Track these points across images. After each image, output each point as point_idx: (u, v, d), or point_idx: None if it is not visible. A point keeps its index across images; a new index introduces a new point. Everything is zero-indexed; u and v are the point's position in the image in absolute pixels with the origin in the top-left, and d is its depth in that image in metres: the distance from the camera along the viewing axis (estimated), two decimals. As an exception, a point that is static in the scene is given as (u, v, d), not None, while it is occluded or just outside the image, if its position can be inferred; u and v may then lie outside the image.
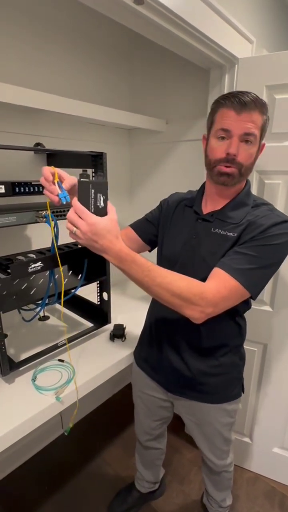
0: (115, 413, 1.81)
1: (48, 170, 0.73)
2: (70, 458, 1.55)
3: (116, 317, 1.23)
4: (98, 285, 1.21)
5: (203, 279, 0.81)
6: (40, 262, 0.90)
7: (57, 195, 0.72)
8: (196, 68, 1.25)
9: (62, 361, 1.01)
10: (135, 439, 1.24)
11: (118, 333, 1.17)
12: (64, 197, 0.72)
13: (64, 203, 0.72)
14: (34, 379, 0.93)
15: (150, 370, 1.01)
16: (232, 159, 0.73)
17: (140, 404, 1.11)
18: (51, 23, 1.21)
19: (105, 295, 1.21)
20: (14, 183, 0.86)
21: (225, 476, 1.11)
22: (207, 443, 1.01)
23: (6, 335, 1.11)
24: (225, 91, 1.22)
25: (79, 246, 1.08)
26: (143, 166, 1.66)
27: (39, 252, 1.03)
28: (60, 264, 0.87)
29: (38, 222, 0.91)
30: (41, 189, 0.94)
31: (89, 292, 1.26)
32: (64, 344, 1.07)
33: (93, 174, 1.06)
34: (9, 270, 0.85)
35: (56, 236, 0.92)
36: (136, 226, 1.03)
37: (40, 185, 0.93)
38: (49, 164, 1.28)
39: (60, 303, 1.26)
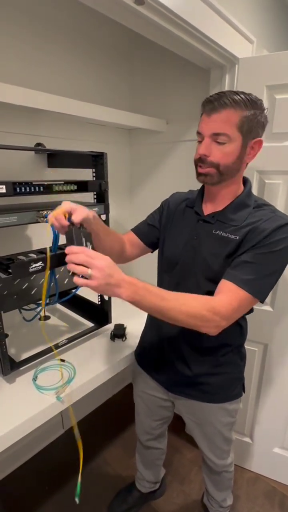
0: (115, 413, 1.81)
1: (62, 212, 0.73)
2: (71, 458, 1.55)
3: (117, 317, 1.23)
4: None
5: (203, 280, 0.81)
6: (41, 262, 0.90)
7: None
8: (196, 68, 1.26)
9: (63, 360, 1.02)
10: (136, 439, 1.24)
11: (119, 333, 1.17)
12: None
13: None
14: (35, 378, 0.93)
15: (151, 370, 1.01)
16: (204, 159, 0.75)
17: (141, 404, 1.11)
18: (51, 23, 1.21)
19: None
20: (15, 183, 0.86)
21: (226, 476, 1.11)
22: (208, 442, 1.01)
23: (7, 335, 1.11)
24: (226, 91, 1.23)
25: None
26: (143, 166, 1.67)
27: (39, 252, 1.03)
28: (48, 267, 0.84)
29: (39, 222, 0.91)
30: (42, 189, 0.94)
31: (90, 292, 1.25)
32: (65, 344, 1.07)
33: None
34: (10, 270, 0.85)
35: (57, 236, 0.93)
36: (138, 230, 1.02)
37: (41, 185, 0.93)
38: (49, 164, 1.29)
39: (60, 303, 1.26)
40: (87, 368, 1.00)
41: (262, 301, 0.76)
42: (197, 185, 0.94)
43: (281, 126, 1.09)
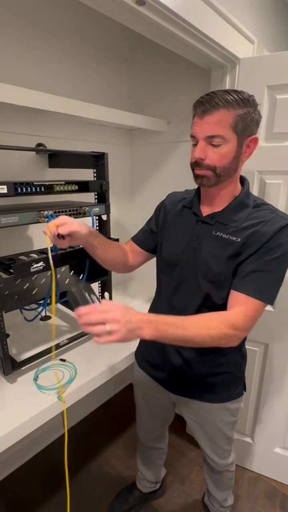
0: (116, 412, 1.81)
1: (54, 225, 0.79)
2: (72, 458, 1.55)
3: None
4: (99, 285, 1.22)
5: (204, 282, 0.81)
6: (42, 262, 0.90)
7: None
8: (197, 68, 1.26)
9: (63, 360, 1.02)
10: (137, 439, 1.25)
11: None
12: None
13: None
14: (36, 378, 0.93)
15: (152, 371, 1.01)
16: (200, 162, 0.75)
17: (142, 405, 1.11)
18: (52, 24, 1.22)
19: (106, 295, 1.22)
20: (16, 183, 0.86)
21: (227, 475, 1.11)
22: (209, 442, 1.01)
23: (8, 335, 1.11)
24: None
25: (80, 246, 1.08)
26: (144, 166, 1.67)
27: (41, 252, 1.03)
28: (52, 268, 0.86)
29: (40, 222, 0.92)
30: (43, 190, 0.94)
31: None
32: (66, 344, 1.07)
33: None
34: (11, 270, 0.85)
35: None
36: (138, 239, 1.01)
37: (42, 185, 0.94)
38: (50, 165, 1.29)
39: (61, 303, 1.26)
40: (88, 368, 1.00)
41: (272, 304, 0.77)
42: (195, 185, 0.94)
43: (282, 126, 1.09)
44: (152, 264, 1.01)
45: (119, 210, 1.66)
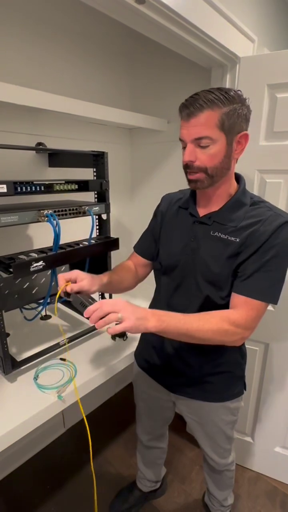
0: (116, 412, 1.81)
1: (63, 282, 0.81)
2: (72, 457, 1.56)
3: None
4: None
5: (204, 282, 0.81)
6: (42, 262, 0.90)
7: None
8: (197, 67, 1.25)
9: (63, 360, 1.02)
10: (137, 438, 1.25)
11: (120, 332, 1.17)
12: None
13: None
14: (36, 377, 0.93)
15: (151, 370, 1.01)
16: (190, 165, 0.74)
17: (142, 405, 1.11)
18: (52, 23, 1.21)
19: (107, 294, 1.21)
20: (16, 182, 0.86)
21: (227, 474, 1.11)
22: (210, 441, 1.01)
23: (8, 334, 1.11)
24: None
25: (80, 245, 1.08)
26: (144, 165, 1.67)
27: (40, 251, 1.03)
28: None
29: (40, 222, 0.92)
30: (43, 189, 0.94)
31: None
32: (66, 343, 1.07)
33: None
34: (11, 269, 0.85)
35: (58, 235, 0.93)
36: (143, 252, 1.00)
37: (42, 184, 0.94)
38: (50, 164, 1.29)
39: (61, 303, 1.26)
40: (88, 367, 1.00)
41: (276, 303, 0.77)
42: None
43: (282, 125, 1.08)
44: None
45: (119, 209, 1.66)
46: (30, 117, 1.19)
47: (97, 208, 1.08)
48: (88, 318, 0.70)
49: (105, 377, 1.01)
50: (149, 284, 1.00)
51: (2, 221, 0.83)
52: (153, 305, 0.98)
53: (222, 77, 1.20)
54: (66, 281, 0.80)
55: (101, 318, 0.68)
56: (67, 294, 0.80)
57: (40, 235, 1.29)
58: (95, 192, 1.16)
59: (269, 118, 1.10)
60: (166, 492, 1.39)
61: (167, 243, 0.90)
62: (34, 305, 1.06)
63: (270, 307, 1.24)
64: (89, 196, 1.17)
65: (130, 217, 1.74)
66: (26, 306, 1.04)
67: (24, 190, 0.89)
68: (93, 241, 1.10)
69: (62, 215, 0.97)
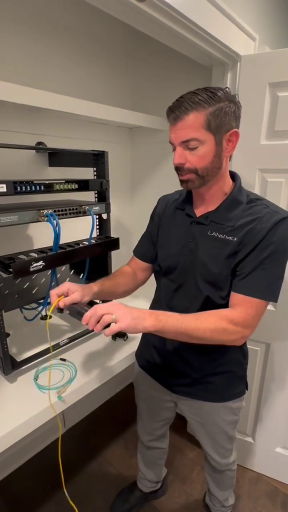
0: (117, 412, 1.81)
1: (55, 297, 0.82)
2: (72, 457, 1.55)
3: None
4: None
5: (203, 283, 0.81)
6: (41, 261, 0.90)
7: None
8: (198, 66, 1.25)
9: (64, 360, 1.01)
10: (137, 438, 1.24)
11: (120, 332, 1.16)
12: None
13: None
14: (36, 378, 0.93)
15: (152, 371, 1.00)
16: (180, 167, 0.75)
17: (143, 406, 1.11)
18: (52, 22, 1.21)
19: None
20: (16, 182, 0.86)
21: (228, 474, 1.11)
22: (212, 442, 1.01)
23: (8, 334, 1.11)
24: (228, 89, 1.22)
25: (80, 245, 1.08)
26: (144, 164, 1.66)
27: (40, 251, 1.03)
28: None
29: (40, 221, 0.91)
30: (43, 188, 0.94)
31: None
32: (66, 343, 1.07)
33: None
34: (11, 269, 0.85)
35: (58, 235, 0.92)
36: (143, 256, 0.99)
37: (42, 184, 0.93)
38: (50, 163, 1.29)
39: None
40: (89, 367, 1.00)
41: (276, 301, 0.76)
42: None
43: (283, 124, 1.08)
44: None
45: (119, 208, 1.65)
46: (30, 116, 1.19)
47: (97, 207, 1.08)
48: (87, 325, 0.72)
49: (105, 377, 1.01)
50: (151, 286, 1.00)
51: (2, 221, 0.82)
52: (153, 307, 0.97)
53: (223, 75, 1.20)
54: (58, 296, 0.80)
55: (98, 322, 0.69)
56: (60, 309, 0.81)
57: (40, 235, 1.28)
58: (95, 192, 1.15)
59: (271, 117, 1.10)
60: (166, 493, 1.39)
61: (165, 244, 0.89)
62: (34, 305, 1.05)
63: (271, 307, 1.24)
64: (89, 196, 1.17)
65: (131, 217, 1.74)
66: (26, 306, 1.04)
67: (24, 189, 0.88)
68: (93, 241, 1.10)
69: (62, 214, 0.97)
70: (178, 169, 0.76)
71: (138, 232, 1.05)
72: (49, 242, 0.97)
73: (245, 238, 0.74)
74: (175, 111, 0.71)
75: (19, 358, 0.99)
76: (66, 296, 0.81)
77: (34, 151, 1.23)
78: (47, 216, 0.90)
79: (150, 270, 1.00)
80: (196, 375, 0.89)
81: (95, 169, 1.14)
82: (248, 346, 0.97)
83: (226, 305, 0.79)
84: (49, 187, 0.95)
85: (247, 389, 0.98)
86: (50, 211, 0.91)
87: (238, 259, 0.75)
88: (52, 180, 0.96)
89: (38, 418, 0.83)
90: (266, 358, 1.31)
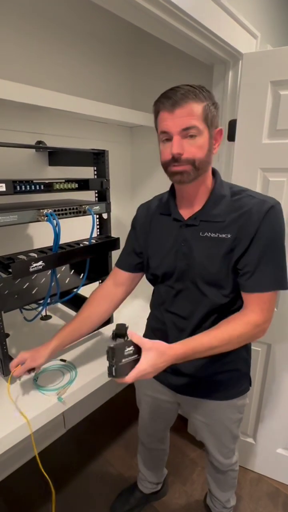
0: (117, 412, 1.80)
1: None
2: (72, 458, 1.55)
3: (118, 316, 1.22)
4: (100, 284, 1.20)
5: (204, 285, 0.79)
6: (41, 262, 0.89)
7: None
8: (199, 64, 1.24)
9: (64, 361, 1.01)
10: (137, 438, 1.23)
11: (121, 333, 1.15)
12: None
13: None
14: (35, 379, 0.92)
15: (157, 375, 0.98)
16: (178, 158, 0.72)
17: (145, 408, 1.10)
18: (52, 20, 1.20)
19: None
20: (15, 181, 0.85)
21: (231, 475, 1.10)
22: (216, 442, 1.00)
23: (8, 335, 1.11)
24: (229, 87, 1.21)
25: (80, 245, 1.07)
26: (145, 164, 1.65)
27: (40, 251, 1.02)
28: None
29: (40, 221, 0.90)
30: (42, 188, 0.93)
31: (91, 291, 1.25)
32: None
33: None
34: (10, 269, 0.84)
35: (58, 235, 0.92)
36: (125, 266, 0.96)
37: (42, 183, 0.92)
38: (50, 163, 1.28)
39: (62, 303, 1.25)
40: (89, 368, 0.99)
41: (286, 288, 0.76)
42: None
43: (285, 122, 1.07)
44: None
45: (119, 208, 1.64)
46: (29, 115, 1.18)
47: (97, 207, 1.07)
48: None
49: (106, 378, 1.00)
50: (150, 285, 0.99)
51: (1, 220, 0.81)
52: (155, 314, 0.95)
53: (224, 74, 1.19)
54: (15, 367, 0.83)
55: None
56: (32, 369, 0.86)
57: (40, 235, 1.27)
58: (96, 191, 1.14)
59: (272, 115, 1.09)
60: (167, 494, 1.38)
61: (157, 252, 0.86)
62: (34, 305, 1.04)
63: (272, 308, 1.23)
64: (90, 195, 1.16)
65: (131, 217, 1.71)
66: (26, 307, 1.03)
67: (23, 189, 0.88)
68: (93, 241, 1.09)
69: (62, 214, 0.96)
70: (174, 160, 0.72)
71: (139, 232, 1.04)
72: (49, 242, 0.96)
73: (239, 234, 0.74)
74: (173, 98, 0.69)
75: (18, 359, 0.98)
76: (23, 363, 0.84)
77: (33, 150, 1.22)
78: (47, 216, 0.89)
79: (137, 278, 0.97)
80: (201, 375, 0.88)
81: (95, 168, 1.13)
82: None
83: (230, 303, 0.79)
84: (49, 187, 0.94)
85: (250, 386, 0.97)
86: (50, 210, 0.90)
87: (237, 256, 0.75)
88: (52, 180, 0.95)
89: (38, 420, 0.82)
90: (268, 359, 1.30)
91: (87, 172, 1.16)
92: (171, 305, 0.87)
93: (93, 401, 1.76)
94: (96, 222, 1.16)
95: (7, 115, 1.11)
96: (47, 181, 0.93)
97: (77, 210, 1.00)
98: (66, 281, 1.13)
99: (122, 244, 1.15)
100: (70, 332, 0.90)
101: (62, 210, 0.95)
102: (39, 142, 1.22)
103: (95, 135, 1.44)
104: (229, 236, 0.74)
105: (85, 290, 1.13)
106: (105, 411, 1.79)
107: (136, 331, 1.12)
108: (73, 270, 1.24)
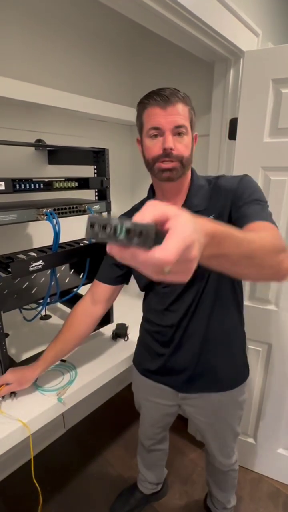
0: (117, 412, 1.80)
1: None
2: (72, 458, 1.54)
3: (119, 316, 1.22)
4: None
5: (205, 276, 0.80)
6: (41, 261, 0.88)
7: None
8: (200, 62, 1.23)
9: (64, 361, 1.00)
10: (137, 439, 1.23)
11: (121, 333, 1.15)
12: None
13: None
14: (35, 379, 0.91)
15: (156, 375, 0.97)
16: (170, 153, 0.73)
17: (145, 413, 1.09)
18: (52, 17, 1.19)
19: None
20: (15, 180, 0.84)
21: (231, 475, 1.10)
22: (218, 441, 1.00)
23: (7, 335, 1.10)
24: (230, 85, 1.20)
25: (80, 244, 1.06)
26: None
27: (40, 250, 1.01)
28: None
29: (39, 220, 0.89)
30: (42, 186, 0.92)
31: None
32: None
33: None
34: (9, 269, 0.83)
35: (58, 234, 0.91)
36: (104, 278, 0.94)
37: (41, 182, 0.91)
38: (50, 161, 1.27)
39: (62, 302, 1.24)
40: (89, 368, 0.98)
41: (277, 226, 0.70)
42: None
43: (287, 121, 1.06)
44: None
45: (120, 207, 1.63)
46: (29, 113, 1.17)
47: (97, 206, 1.06)
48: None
49: (105, 378, 1.00)
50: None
51: (1, 219, 0.80)
52: (149, 313, 0.94)
53: (225, 72, 1.18)
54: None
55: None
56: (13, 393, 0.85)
57: (40, 234, 1.27)
58: (96, 190, 1.13)
59: (274, 114, 1.08)
60: (167, 494, 1.38)
61: None
62: (33, 305, 1.04)
63: (273, 307, 1.22)
64: (90, 194, 1.15)
65: (131, 216, 1.72)
66: (26, 306, 1.02)
67: (23, 187, 0.87)
68: (93, 240, 1.08)
69: (62, 213, 0.95)
70: (166, 155, 0.74)
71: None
72: (49, 241, 0.95)
73: (222, 207, 0.76)
74: (164, 95, 0.72)
75: (18, 359, 0.98)
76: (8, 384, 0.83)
77: (33, 148, 1.21)
78: (46, 215, 0.88)
79: (113, 295, 0.96)
80: (201, 368, 0.88)
81: (95, 167, 1.12)
82: (249, 346, 0.96)
83: (233, 287, 0.82)
84: (48, 185, 0.93)
85: (248, 373, 0.98)
86: (49, 209, 0.89)
87: (226, 219, 0.76)
88: (52, 178, 0.94)
89: (38, 420, 0.82)
90: (268, 359, 1.30)
91: (87, 171, 1.15)
92: (171, 304, 0.87)
93: (93, 401, 1.76)
94: (96, 221, 1.15)
95: (6, 113, 1.10)
96: (46, 180, 0.92)
97: (77, 209, 0.99)
98: (66, 281, 1.12)
99: (122, 243, 1.14)
100: (54, 354, 0.90)
101: (62, 209, 0.94)
102: (38, 141, 1.21)
103: (95, 134, 1.44)
104: (212, 216, 0.77)
105: (84, 290, 1.12)
106: (105, 411, 1.79)
107: (136, 331, 1.12)
108: (73, 270, 1.23)
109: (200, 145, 1.36)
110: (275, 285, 1.20)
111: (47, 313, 1.30)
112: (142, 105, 0.76)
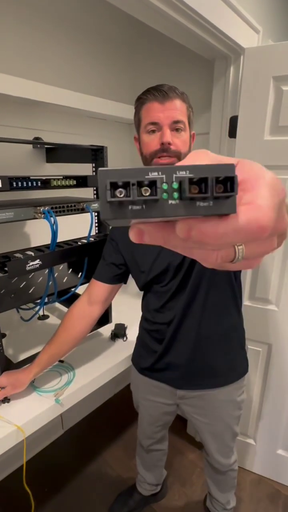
0: (116, 413, 1.79)
1: None
2: (70, 459, 1.53)
3: (117, 316, 1.20)
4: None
5: (205, 270, 0.79)
6: (38, 260, 0.87)
7: None
8: (200, 59, 1.22)
9: (61, 361, 0.99)
10: (136, 440, 1.22)
11: (119, 333, 1.14)
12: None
13: None
14: (33, 380, 0.90)
15: (154, 373, 0.96)
16: (168, 148, 0.73)
17: (144, 412, 1.08)
18: (51, 14, 1.17)
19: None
20: (12, 177, 0.82)
21: (230, 475, 1.09)
22: (216, 442, 1.00)
23: (4, 335, 1.09)
24: (230, 83, 1.19)
25: (78, 243, 1.05)
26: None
27: (37, 249, 1.00)
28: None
29: (37, 218, 0.88)
30: (39, 184, 0.90)
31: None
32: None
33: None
34: (6, 268, 0.82)
35: (55, 233, 0.89)
36: (102, 277, 0.93)
37: (39, 180, 0.90)
38: (48, 159, 1.26)
39: (60, 302, 1.23)
40: (87, 369, 0.97)
41: None
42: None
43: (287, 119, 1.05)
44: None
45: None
46: (27, 111, 1.15)
47: (96, 204, 1.05)
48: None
49: (104, 379, 0.98)
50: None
51: (-3, 217, 0.79)
52: (150, 314, 0.93)
53: (225, 69, 1.17)
54: None
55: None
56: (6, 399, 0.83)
57: (37, 233, 1.25)
58: (94, 188, 1.12)
59: (275, 112, 1.07)
60: (166, 495, 1.37)
61: (143, 258, 0.85)
62: (31, 305, 1.02)
63: (273, 307, 1.21)
64: (88, 192, 1.14)
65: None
66: (23, 306, 1.01)
67: (20, 185, 0.85)
68: (91, 239, 1.07)
69: (60, 211, 0.94)
70: (164, 150, 0.73)
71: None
72: (46, 240, 0.94)
73: None
74: (162, 91, 0.71)
75: (15, 360, 0.96)
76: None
77: (31, 146, 1.20)
78: (44, 213, 0.86)
79: (110, 295, 0.95)
80: (197, 364, 0.88)
81: (93, 165, 1.11)
82: (249, 346, 0.95)
83: (231, 283, 0.81)
84: (46, 183, 0.92)
85: (248, 368, 0.97)
86: (47, 208, 0.87)
87: None
88: (50, 176, 0.93)
89: (35, 422, 0.81)
90: (268, 359, 1.29)
91: (86, 169, 1.14)
92: (170, 301, 0.86)
93: (91, 402, 1.75)
94: (95, 220, 1.13)
95: (4, 110, 1.09)
96: (44, 178, 0.91)
97: (75, 207, 0.98)
98: (64, 280, 1.11)
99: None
100: (49, 357, 0.88)
101: (59, 207, 0.93)
102: (36, 139, 1.20)
103: (93, 131, 1.42)
104: None
105: (83, 290, 1.11)
106: (103, 411, 1.77)
107: (135, 332, 1.10)
108: (71, 269, 1.22)
109: (200, 143, 1.36)
110: (275, 285, 1.19)
111: (45, 313, 1.29)
112: (140, 100, 0.75)
